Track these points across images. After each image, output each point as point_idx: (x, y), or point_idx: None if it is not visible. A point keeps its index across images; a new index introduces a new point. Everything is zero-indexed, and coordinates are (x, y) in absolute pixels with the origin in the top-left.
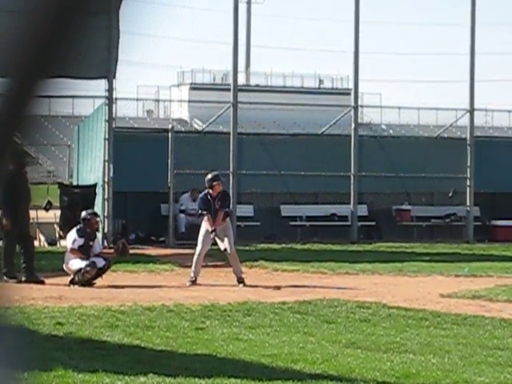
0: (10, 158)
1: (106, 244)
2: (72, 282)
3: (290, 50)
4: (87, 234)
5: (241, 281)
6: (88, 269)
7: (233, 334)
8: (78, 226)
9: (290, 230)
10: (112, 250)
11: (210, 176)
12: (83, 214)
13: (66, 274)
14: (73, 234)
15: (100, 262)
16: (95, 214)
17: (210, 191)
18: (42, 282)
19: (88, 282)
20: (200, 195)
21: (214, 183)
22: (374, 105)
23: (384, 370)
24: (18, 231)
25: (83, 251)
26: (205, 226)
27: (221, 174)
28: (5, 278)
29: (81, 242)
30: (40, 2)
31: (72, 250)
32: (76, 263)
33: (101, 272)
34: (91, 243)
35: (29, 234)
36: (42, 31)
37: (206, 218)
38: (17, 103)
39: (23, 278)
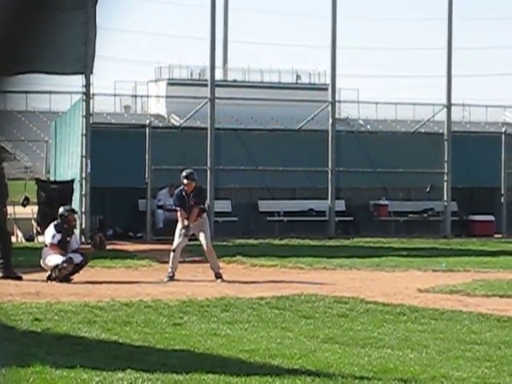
0: None
1: (83, 240)
2: (49, 278)
3: (267, 46)
4: (65, 229)
5: (218, 276)
6: (65, 265)
7: (211, 330)
8: (56, 222)
9: (267, 225)
10: (89, 246)
11: (184, 174)
12: (61, 210)
13: (44, 270)
14: (51, 230)
15: (77, 258)
16: (73, 211)
17: (185, 188)
18: (20, 278)
19: (65, 278)
20: (175, 191)
21: (186, 182)
22: (351, 100)
23: (362, 364)
24: None
25: (61, 247)
26: (181, 221)
27: (198, 169)
28: None
29: (59, 237)
30: None
31: (51, 246)
32: (53, 259)
33: (78, 268)
34: (68, 239)
35: (6, 229)
36: (15, 26)
37: (179, 214)
38: None
39: (0, 274)
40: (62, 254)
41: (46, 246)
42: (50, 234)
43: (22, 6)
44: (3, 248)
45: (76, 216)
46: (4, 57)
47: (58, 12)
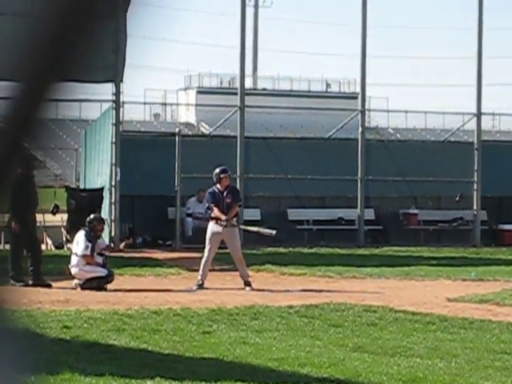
0: (19, 162)
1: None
2: (82, 287)
3: (297, 54)
4: (92, 237)
5: (248, 284)
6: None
7: (239, 338)
8: (85, 230)
9: (296, 233)
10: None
11: (217, 170)
12: (90, 217)
13: (73, 278)
14: (82, 239)
15: (102, 272)
16: (102, 220)
17: (218, 186)
18: (50, 286)
19: (100, 287)
20: (208, 190)
21: (222, 176)
22: (380, 109)
23: (391, 374)
24: (26, 235)
25: (92, 255)
26: (211, 229)
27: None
28: (12, 281)
29: (90, 244)
30: (49, 6)
31: (85, 257)
32: (94, 271)
33: (105, 281)
34: (94, 246)
35: (36, 237)
36: (50, 34)
37: (215, 210)
38: (27, 107)
39: (30, 282)
40: (99, 265)
41: (75, 254)
42: (82, 244)
43: (64, 15)
44: (33, 256)
45: (104, 226)
46: (51, 65)
47: (92, 19)
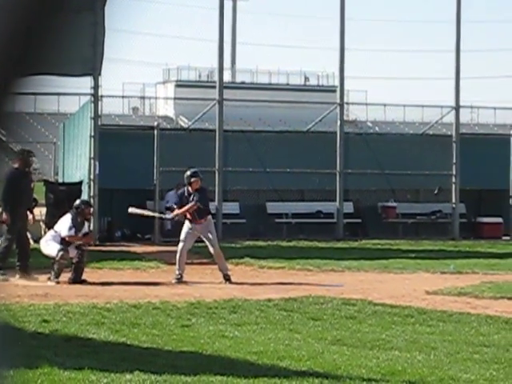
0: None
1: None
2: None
3: (275, 47)
4: (77, 223)
5: (227, 278)
6: (62, 254)
7: (219, 331)
8: (72, 214)
9: (275, 227)
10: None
11: (188, 173)
12: (77, 202)
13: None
14: (68, 221)
15: (72, 252)
16: (89, 204)
17: (189, 188)
18: (36, 279)
19: (76, 279)
20: (178, 192)
21: (192, 180)
22: (359, 102)
23: (370, 367)
24: (18, 229)
25: (66, 241)
26: (187, 223)
27: (207, 171)
28: None
29: (71, 232)
30: None
31: (70, 237)
32: (51, 248)
33: (79, 264)
34: (78, 233)
35: (26, 233)
36: (25, 27)
37: (175, 211)
38: None
39: (18, 276)
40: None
41: (55, 232)
42: (66, 226)
43: (35, 8)
44: (22, 251)
45: (91, 209)
46: (17, 58)
47: (68, 13)
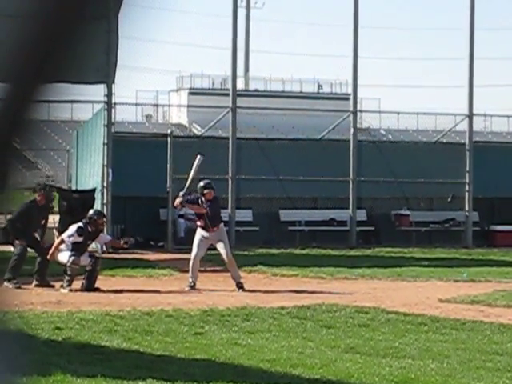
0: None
1: (104, 248)
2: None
3: (288, 55)
4: (88, 233)
5: (240, 286)
6: (73, 260)
7: (231, 339)
8: (81, 224)
9: (288, 234)
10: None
11: (201, 183)
12: (90, 212)
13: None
14: (73, 229)
15: (85, 260)
16: (102, 214)
17: (202, 198)
18: (53, 287)
19: (89, 286)
20: (193, 196)
21: (205, 191)
22: (372, 110)
23: (383, 375)
24: (35, 245)
25: (77, 248)
26: (199, 233)
27: (220, 178)
28: (5, 283)
29: (78, 239)
30: (39, 7)
31: (62, 241)
32: (62, 255)
33: (93, 272)
34: (89, 242)
35: (43, 246)
36: (40, 36)
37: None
38: (16, 108)
39: (34, 283)
40: (71, 254)
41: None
42: (69, 232)
43: (51, 16)
44: (41, 260)
45: (105, 219)
46: (36, 66)
47: (82, 21)
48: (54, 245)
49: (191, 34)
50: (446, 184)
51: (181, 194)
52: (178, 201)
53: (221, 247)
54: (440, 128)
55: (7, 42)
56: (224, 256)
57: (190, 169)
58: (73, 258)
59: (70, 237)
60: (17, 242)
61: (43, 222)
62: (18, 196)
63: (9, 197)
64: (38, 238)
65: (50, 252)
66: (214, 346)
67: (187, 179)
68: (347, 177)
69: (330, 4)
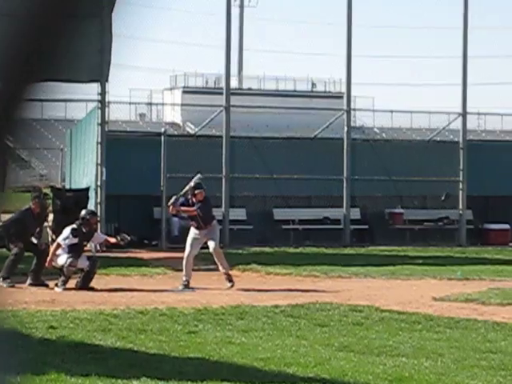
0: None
1: (98, 248)
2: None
3: (282, 54)
4: (82, 234)
5: (229, 279)
6: (70, 261)
7: (225, 338)
8: (75, 225)
9: (282, 233)
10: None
11: (192, 184)
12: (83, 213)
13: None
14: (67, 232)
15: (83, 263)
16: (94, 214)
17: (193, 198)
18: (47, 286)
19: (84, 285)
20: (181, 200)
21: (196, 192)
22: (366, 108)
23: (377, 373)
24: (33, 248)
25: (74, 250)
26: (193, 230)
27: (214, 177)
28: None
29: (74, 241)
30: (31, 6)
31: (58, 245)
32: (60, 259)
33: (89, 274)
34: (85, 243)
35: (40, 248)
36: (31, 34)
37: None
38: (7, 107)
39: (29, 281)
40: (69, 256)
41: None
42: (64, 235)
43: (43, 15)
44: (38, 260)
45: (98, 219)
46: (26, 65)
47: (75, 20)
48: (51, 251)
49: (185, 32)
50: (439, 182)
51: (171, 201)
52: (171, 208)
53: (210, 241)
54: (434, 126)
55: None
56: (211, 248)
57: (186, 184)
58: (70, 259)
59: (65, 239)
60: (12, 245)
61: (38, 229)
62: (15, 196)
63: (6, 195)
64: (35, 242)
65: (48, 259)
66: (207, 344)
67: (181, 190)
68: (341, 175)
69: (324, 2)
